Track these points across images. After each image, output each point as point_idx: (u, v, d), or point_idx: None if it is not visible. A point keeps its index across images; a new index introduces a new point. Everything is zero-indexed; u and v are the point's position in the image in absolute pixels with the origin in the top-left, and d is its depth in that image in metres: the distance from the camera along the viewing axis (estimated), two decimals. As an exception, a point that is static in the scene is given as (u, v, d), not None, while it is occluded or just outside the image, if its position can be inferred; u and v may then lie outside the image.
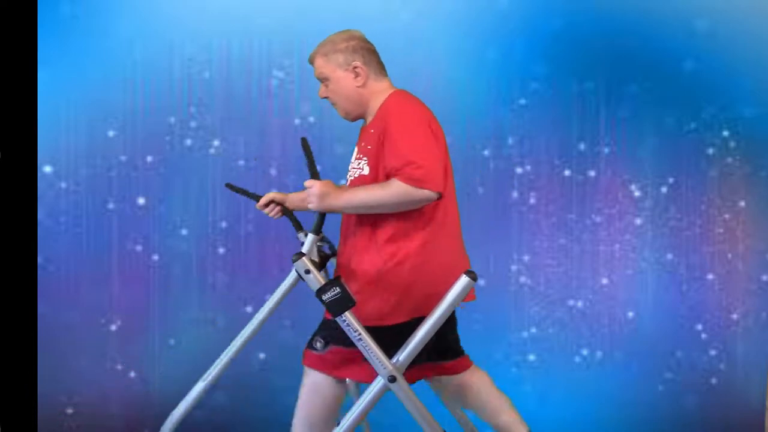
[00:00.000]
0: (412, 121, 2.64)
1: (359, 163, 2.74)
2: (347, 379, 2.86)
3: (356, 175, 2.74)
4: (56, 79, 3.92)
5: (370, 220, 2.70)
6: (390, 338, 2.66)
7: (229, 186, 3.11)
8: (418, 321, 2.65)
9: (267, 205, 3.08)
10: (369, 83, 2.77)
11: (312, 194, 2.64)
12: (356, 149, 2.82)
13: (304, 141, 2.63)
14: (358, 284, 2.69)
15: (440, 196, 2.60)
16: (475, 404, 2.88)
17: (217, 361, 3.08)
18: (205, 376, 3.08)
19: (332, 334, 2.72)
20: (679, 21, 4.02)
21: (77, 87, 3.97)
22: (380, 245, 2.68)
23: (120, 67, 3.97)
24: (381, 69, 2.81)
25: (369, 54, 2.78)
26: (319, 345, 2.74)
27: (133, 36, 3.97)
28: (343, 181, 2.97)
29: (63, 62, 3.95)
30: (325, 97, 2.82)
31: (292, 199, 3.07)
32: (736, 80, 4.04)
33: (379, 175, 2.67)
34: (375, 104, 2.76)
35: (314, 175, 2.65)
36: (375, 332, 2.63)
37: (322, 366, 2.76)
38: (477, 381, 2.88)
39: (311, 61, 2.82)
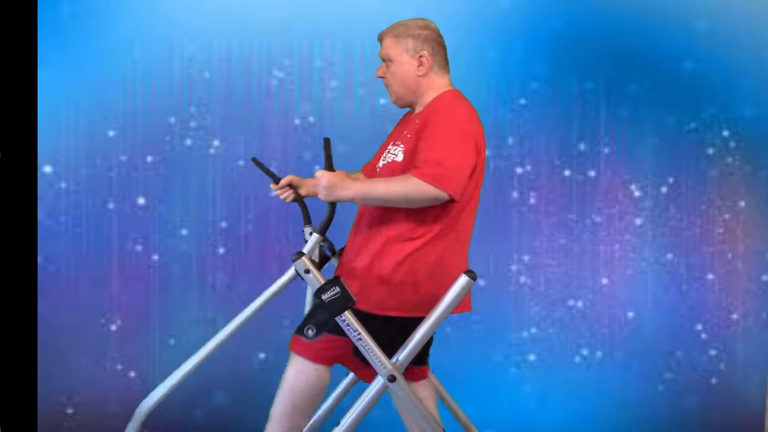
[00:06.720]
0: (455, 122, 2.63)
1: (395, 149, 2.74)
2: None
3: (389, 160, 2.74)
4: (56, 79, 3.92)
5: (382, 219, 2.70)
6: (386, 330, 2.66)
7: (254, 161, 3.02)
8: (415, 320, 2.65)
9: (284, 186, 3.01)
10: (430, 75, 2.75)
11: (320, 185, 2.64)
12: (393, 136, 2.83)
13: (326, 141, 2.64)
14: (361, 277, 2.69)
15: (452, 199, 2.58)
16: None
17: (203, 348, 3.05)
18: (187, 362, 3.04)
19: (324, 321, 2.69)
20: (679, 21, 4.02)
21: (77, 87, 3.96)
22: (388, 244, 2.68)
23: (120, 67, 3.97)
24: (445, 65, 2.79)
25: (438, 47, 2.77)
26: (310, 333, 2.69)
27: (133, 36, 3.96)
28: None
29: (63, 62, 3.94)
30: (381, 77, 2.80)
31: (308, 184, 3.02)
32: (736, 80, 4.04)
33: (411, 163, 2.65)
34: (428, 97, 2.75)
35: (330, 169, 2.65)
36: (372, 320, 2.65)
37: (309, 353, 2.75)
38: (428, 396, 2.85)
39: (380, 39, 2.80)
